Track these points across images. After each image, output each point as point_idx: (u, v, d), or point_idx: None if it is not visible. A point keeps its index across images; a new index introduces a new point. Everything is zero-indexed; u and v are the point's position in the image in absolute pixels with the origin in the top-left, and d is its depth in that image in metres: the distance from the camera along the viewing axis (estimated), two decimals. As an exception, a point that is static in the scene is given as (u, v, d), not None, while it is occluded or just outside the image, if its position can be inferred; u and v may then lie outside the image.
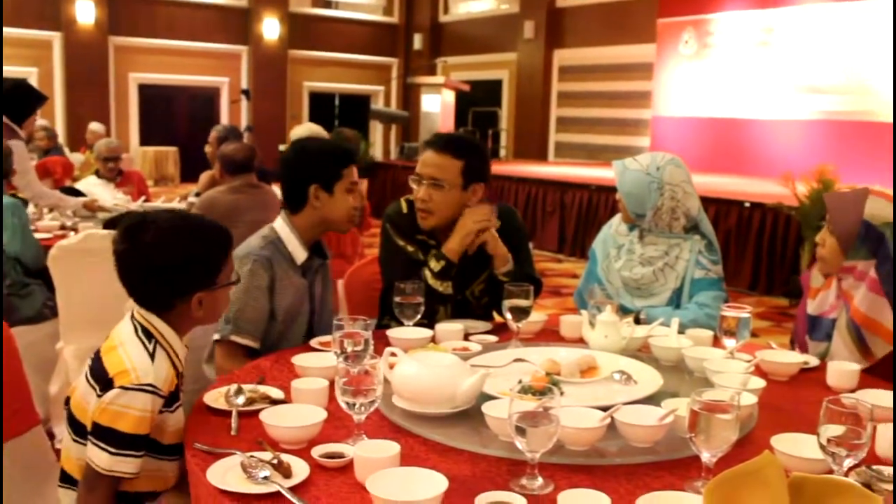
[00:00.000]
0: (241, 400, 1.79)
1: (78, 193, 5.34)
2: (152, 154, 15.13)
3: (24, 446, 1.97)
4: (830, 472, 1.41)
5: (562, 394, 1.78)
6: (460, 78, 14.67)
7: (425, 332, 2.28)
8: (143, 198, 5.85)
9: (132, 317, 1.80)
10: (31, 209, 5.00)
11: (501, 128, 15.65)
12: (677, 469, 1.53)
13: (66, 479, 1.82)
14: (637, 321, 2.43)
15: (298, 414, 1.67)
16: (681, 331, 2.31)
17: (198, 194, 5.21)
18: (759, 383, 1.90)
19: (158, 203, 5.87)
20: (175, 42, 15.14)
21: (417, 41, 17.35)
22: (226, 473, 1.47)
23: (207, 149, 5.55)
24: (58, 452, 1.94)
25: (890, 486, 1.43)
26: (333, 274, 3.88)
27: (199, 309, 1.81)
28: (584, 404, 1.71)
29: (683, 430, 1.46)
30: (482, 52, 16.03)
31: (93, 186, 5.74)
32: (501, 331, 2.44)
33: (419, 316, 2.30)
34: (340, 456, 1.53)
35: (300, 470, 1.47)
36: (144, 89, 15.29)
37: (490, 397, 1.74)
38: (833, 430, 1.40)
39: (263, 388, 1.89)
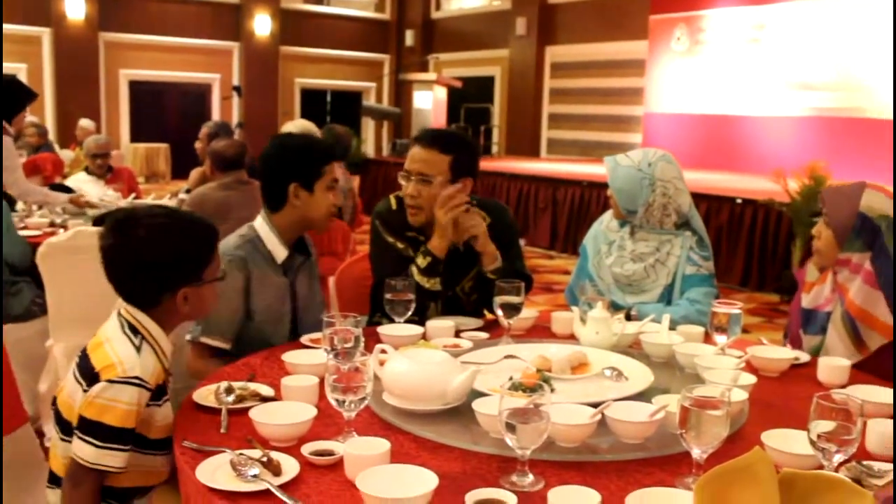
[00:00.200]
0: (230, 398, 1.78)
1: (68, 190, 5.31)
2: (143, 151, 15.06)
3: (12, 445, 1.96)
4: (821, 467, 1.41)
5: (552, 390, 1.78)
6: (452, 74, 14.64)
7: (416, 329, 2.27)
8: (133, 194, 5.82)
9: (118, 314, 1.80)
10: (20, 206, 4.98)
11: (494, 124, 15.64)
12: (668, 465, 1.53)
13: (54, 480, 1.82)
14: (628, 317, 2.43)
15: (288, 411, 1.67)
16: (672, 327, 2.31)
17: (188, 191, 5.19)
18: (750, 379, 1.89)
19: (148, 200, 5.85)
20: (166, 38, 15.08)
21: (409, 38, 17.32)
22: (215, 471, 1.46)
23: (198, 145, 5.53)
24: (46, 452, 1.93)
25: (880, 482, 1.44)
26: (325, 271, 3.87)
27: (185, 304, 1.81)
28: (575, 401, 1.70)
29: (674, 426, 1.46)
30: (474, 48, 16.01)
31: (83, 183, 5.71)
32: (493, 327, 2.44)
33: (410, 313, 2.29)
34: (330, 453, 1.52)
35: (290, 468, 1.47)
36: (135, 86, 15.23)
37: (481, 394, 1.73)
38: (823, 425, 1.40)
39: (253, 386, 1.88)
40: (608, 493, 1.38)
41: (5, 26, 13.04)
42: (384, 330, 2.27)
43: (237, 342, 2.33)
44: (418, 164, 2.55)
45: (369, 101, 17.32)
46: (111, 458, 1.66)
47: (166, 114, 15.77)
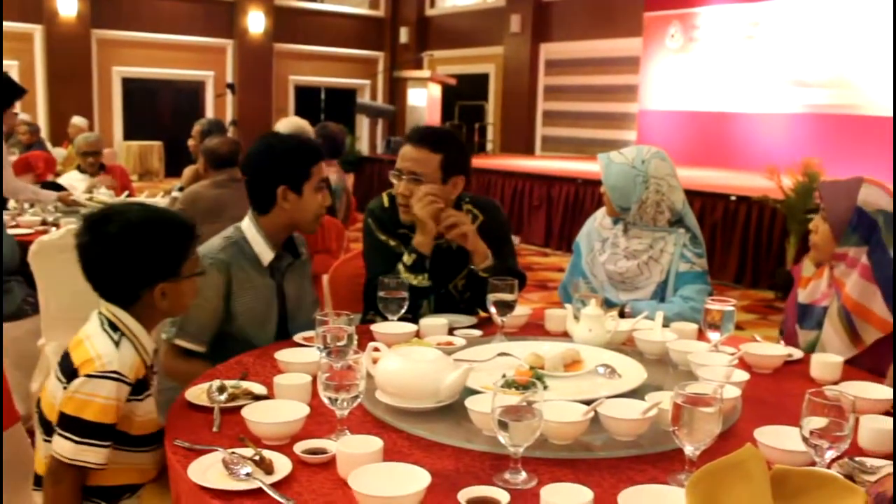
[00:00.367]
0: (223, 396, 1.78)
1: (60, 188, 5.29)
2: (136, 148, 15.01)
3: (3, 444, 1.95)
4: (813, 464, 1.41)
5: (545, 388, 1.79)
6: (447, 72, 14.62)
7: (409, 327, 2.27)
8: (126, 192, 5.80)
9: (99, 312, 1.82)
10: (12, 204, 4.96)
11: (488, 122, 15.62)
12: (661, 462, 1.53)
13: (39, 482, 1.82)
14: (622, 315, 2.43)
15: (281, 410, 1.66)
16: (665, 324, 2.31)
17: (181, 189, 5.17)
18: (743, 376, 1.90)
19: (142, 198, 5.83)
20: (159, 35, 15.02)
21: (404, 35, 17.29)
22: (207, 470, 1.46)
23: (191, 143, 5.51)
24: (36, 452, 1.93)
25: (872, 478, 1.44)
26: (319, 269, 3.86)
27: (164, 300, 1.83)
28: (568, 398, 1.70)
29: (667, 423, 1.46)
30: (468, 45, 15.99)
31: (75, 181, 5.69)
32: (486, 325, 2.44)
33: (403, 311, 2.29)
34: (323, 452, 1.52)
35: (282, 466, 1.47)
36: (128, 83, 15.16)
37: (474, 392, 1.73)
38: (816, 422, 1.40)
39: (246, 384, 1.88)
40: (601, 490, 1.38)
41: (-3, 23, 13.00)
42: (377, 328, 2.26)
43: (218, 343, 2.31)
44: (409, 162, 2.54)
45: (363, 98, 17.28)
46: (91, 454, 1.66)
47: (159, 111, 15.71)
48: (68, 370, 1.73)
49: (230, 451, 1.49)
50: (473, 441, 1.60)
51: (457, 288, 2.65)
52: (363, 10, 17.74)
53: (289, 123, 5.05)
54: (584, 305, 2.23)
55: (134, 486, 1.83)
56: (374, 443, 1.48)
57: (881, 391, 1.88)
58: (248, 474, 1.42)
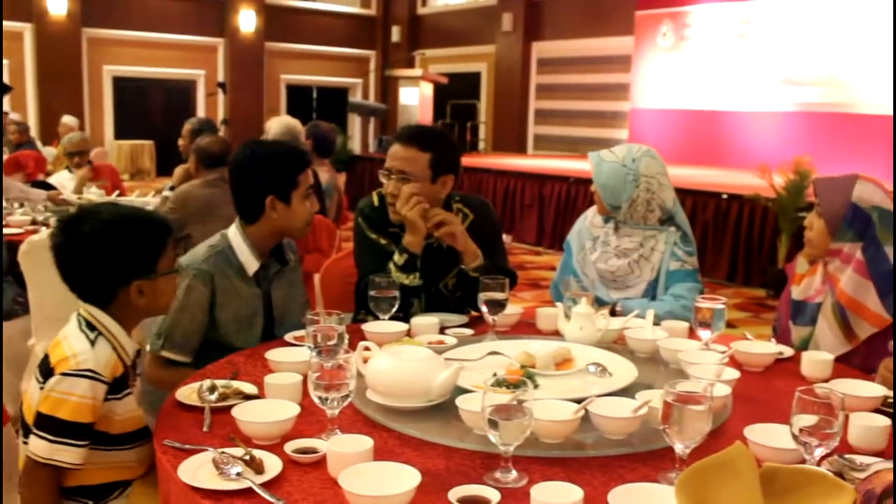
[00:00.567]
0: (213, 396, 1.77)
1: (50, 188, 5.27)
2: (127, 148, 14.96)
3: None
4: (803, 461, 1.42)
5: (536, 386, 1.79)
6: (439, 70, 14.62)
7: (400, 326, 2.27)
8: (116, 192, 5.79)
9: (77, 313, 1.83)
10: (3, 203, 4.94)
11: (480, 120, 15.63)
12: (651, 460, 1.53)
13: None
14: (613, 313, 2.43)
15: (271, 409, 1.66)
16: (656, 322, 2.31)
17: (172, 188, 5.16)
18: (734, 374, 1.90)
19: (133, 197, 5.81)
20: (150, 34, 14.96)
21: (395, 34, 17.28)
22: (197, 470, 1.46)
23: (181, 142, 5.49)
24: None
25: (862, 475, 1.44)
26: (310, 268, 3.85)
27: (141, 298, 1.84)
28: (559, 397, 1.70)
29: (657, 421, 1.46)
30: (460, 44, 15.99)
31: (66, 181, 5.68)
32: (478, 324, 2.44)
33: (394, 310, 2.28)
34: (314, 451, 1.52)
35: (273, 466, 1.46)
36: (119, 82, 15.10)
37: (464, 391, 1.73)
38: (805, 419, 1.41)
39: (237, 384, 1.87)
40: (591, 488, 1.38)
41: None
42: (368, 327, 2.26)
43: (202, 350, 2.29)
44: (398, 161, 2.54)
45: (355, 97, 17.26)
46: (65, 454, 1.66)
47: (151, 110, 15.66)
48: (46, 370, 1.74)
49: (220, 450, 1.49)
50: (464, 440, 1.59)
51: (447, 287, 2.64)
52: (355, 9, 17.72)
53: (280, 122, 5.04)
54: (575, 304, 2.23)
55: (122, 483, 1.83)
56: (365, 442, 1.48)
57: (871, 388, 1.88)
58: (238, 474, 1.42)
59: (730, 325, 2.17)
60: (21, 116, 9.95)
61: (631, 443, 1.60)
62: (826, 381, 1.96)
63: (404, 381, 1.73)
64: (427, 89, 13.25)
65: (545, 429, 1.56)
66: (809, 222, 2.40)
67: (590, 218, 2.89)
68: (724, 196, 7.61)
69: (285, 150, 2.42)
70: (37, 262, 3.18)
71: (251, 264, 2.33)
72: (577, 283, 2.76)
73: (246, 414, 1.63)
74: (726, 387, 1.78)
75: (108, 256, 1.79)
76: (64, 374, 1.69)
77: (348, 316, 2.64)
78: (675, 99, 12.04)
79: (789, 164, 6.91)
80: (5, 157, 6.62)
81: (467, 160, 11.08)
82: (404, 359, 1.77)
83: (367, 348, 1.87)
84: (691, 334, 2.26)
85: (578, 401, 1.63)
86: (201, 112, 15.36)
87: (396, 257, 2.51)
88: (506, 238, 9.34)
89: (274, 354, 2.02)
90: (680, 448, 1.42)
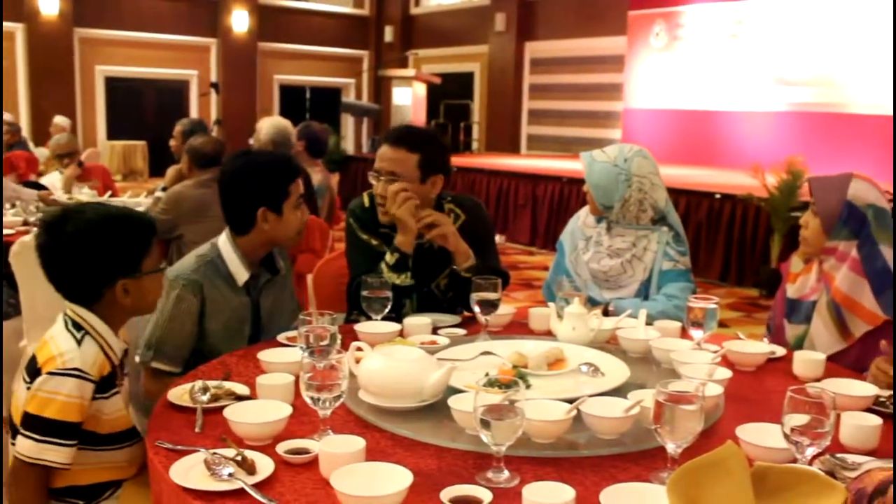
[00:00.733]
0: (205, 397, 1.77)
1: (42, 188, 5.25)
2: (120, 148, 14.91)
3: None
4: (794, 460, 1.42)
5: (528, 386, 1.79)
6: (432, 70, 14.61)
7: (393, 327, 2.26)
8: (109, 192, 5.77)
9: (64, 313, 1.84)
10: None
11: (473, 121, 15.63)
12: (643, 460, 1.54)
13: None
14: (605, 313, 2.43)
15: (263, 410, 1.65)
16: (649, 322, 2.32)
17: (165, 189, 5.14)
18: (726, 374, 1.90)
19: (125, 198, 5.80)
20: (142, 34, 14.93)
21: (388, 34, 17.27)
22: (189, 471, 1.45)
23: (172, 143, 5.47)
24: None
25: (853, 474, 1.45)
26: (303, 268, 3.84)
27: (127, 297, 1.84)
28: (551, 397, 1.70)
29: (649, 421, 1.46)
30: (453, 44, 15.99)
31: (57, 181, 5.66)
32: (470, 324, 2.44)
33: (387, 310, 2.28)
34: (306, 452, 1.51)
35: (264, 466, 1.46)
36: (111, 82, 15.06)
37: (457, 391, 1.73)
38: (797, 419, 1.41)
39: (229, 385, 1.87)
40: (583, 488, 1.38)
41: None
42: (361, 327, 2.26)
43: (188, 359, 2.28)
44: (386, 163, 2.53)
45: (349, 97, 17.25)
46: (52, 453, 1.66)
47: (143, 111, 15.61)
48: (33, 370, 1.74)
49: (212, 451, 1.48)
50: (456, 440, 1.59)
51: (439, 287, 2.64)
52: (348, 9, 17.71)
53: (270, 123, 5.03)
54: (568, 304, 2.23)
55: (113, 483, 1.83)
56: (357, 442, 1.48)
57: (862, 388, 1.89)
58: (230, 475, 1.42)
59: (722, 324, 2.18)
60: (13, 117, 9.89)
61: (623, 442, 1.60)
62: (818, 380, 1.96)
63: (396, 382, 1.73)
64: (420, 89, 13.24)
65: (537, 429, 1.56)
66: (805, 221, 2.42)
67: (582, 218, 2.89)
68: (717, 196, 7.62)
69: (275, 161, 2.41)
70: (28, 263, 3.15)
71: (241, 274, 2.32)
72: (570, 284, 2.76)
73: (238, 415, 1.62)
74: (718, 386, 1.78)
75: (92, 255, 1.80)
76: (50, 374, 1.69)
77: (341, 316, 2.64)
78: (668, 99, 12.06)
79: (782, 163, 6.92)
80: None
81: (461, 160, 11.09)
82: (396, 359, 1.77)
83: (359, 348, 1.87)
84: (683, 334, 2.26)
85: (570, 401, 1.63)
86: (194, 112, 15.32)
87: (388, 257, 2.50)
88: (499, 238, 9.39)
89: (266, 355, 2.01)
90: (672, 448, 1.42)
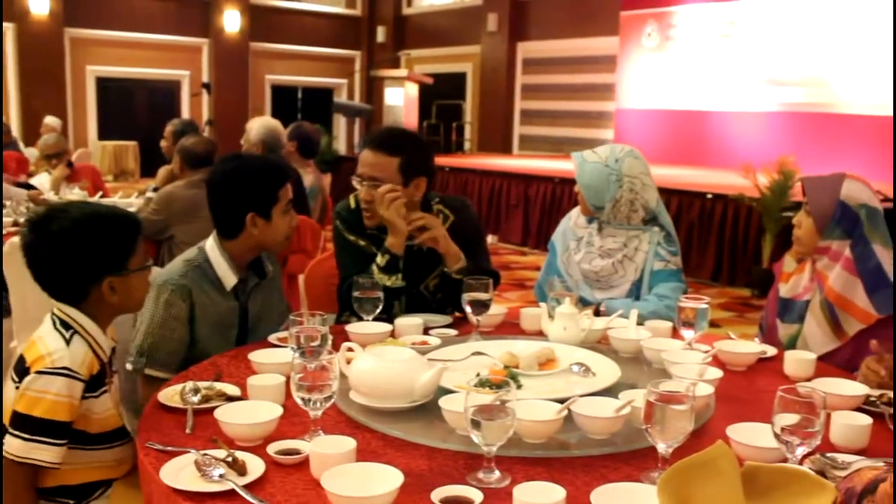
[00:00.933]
0: (196, 398, 1.76)
1: (32, 189, 5.23)
2: (111, 148, 14.86)
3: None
4: (785, 460, 1.42)
5: (519, 387, 1.79)
6: (424, 71, 14.61)
7: (384, 327, 2.26)
8: (99, 193, 5.75)
9: (52, 313, 1.84)
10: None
11: (466, 121, 15.64)
12: (634, 460, 1.54)
13: None
14: (596, 313, 2.44)
15: (254, 411, 1.65)
16: (640, 322, 2.32)
17: (156, 189, 5.13)
18: (717, 374, 1.91)
19: (116, 198, 5.78)
20: (134, 34, 14.88)
21: (381, 34, 17.26)
22: (179, 472, 1.45)
23: (163, 144, 5.46)
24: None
25: (843, 473, 1.45)
26: (295, 269, 3.84)
27: (114, 295, 1.84)
28: (543, 397, 1.70)
29: (640, 421, 1.46)
30: (446, 44, 16.00)
31: (48, 182, 5.63)
32: (461, 324, 2.43)
33: (378, 310, 2.28)
34: (296, 452, 1.51)
35: (255, 467, 1.46)
36: (102, 82, 15.01)
37: (448, 391, 1.73)
38: (787, 418, 1.41)
39: (220, 386, 1.86)
40: (574, 488, 1.39)
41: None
42: (352, 328, 2.25)
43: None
44: (367, 168, 2.52)
45: (341, 97, 17.23)
46: (41, 453, 1.66)
47: (135, 111, 15.55)
48: (21, 370, 1.74)
49: (203, 452, 1.48)
50: (447, 440, 1.59)
51: (428, 288, 2.64)
52: (340, 9, 17.69)
53: (260, 123, 5.02)
54: (559, 304, 2.23)
55: (103, 483, 1.83)
56: (348, 443, 1.48)
57: (853, 387, 1.90)
58: (221, 476, 1.42)
59: (714, 324, 2.18)
60: (3, 117, 9.84)
61: (614, 442, 1.60)
62: (808, 380, 1.97)
63: (387, 382, 1.72)
64: (412, 90, 13.24)
65: (528, 429, 1.56)
66: (798, 221, 2.43)
67: (574, 218, 2.89)
68: (709, 196, 7.64)
69: (265, 166, 2.40)
70: (19, 263, 3.14)
71: (229, 279, 2.31)
72: (562, 284, 2.77)
73: (228, 415, 1.62)
74: (709, 386, 1.78)
75: (78, 254, 1.80)
76: (39, 373, 1.69)
77: (332, 317, 2.63)
78: (660, 99, 12.09)
79: (773, 163, 6.95)
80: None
81: (453, 160, 11.08)
82: (387, 359, 1.76)
83: (350, 349, 1.86)
84: (675, 334, 2.27)
85: (562, 401, 1.64)
86: (186, 113, 15.29)
87: (379, 259, 2.50)
88: (491, 238, 9.39)
89: (257, 356, 2.01)
90: (662, 447, 1.43)
